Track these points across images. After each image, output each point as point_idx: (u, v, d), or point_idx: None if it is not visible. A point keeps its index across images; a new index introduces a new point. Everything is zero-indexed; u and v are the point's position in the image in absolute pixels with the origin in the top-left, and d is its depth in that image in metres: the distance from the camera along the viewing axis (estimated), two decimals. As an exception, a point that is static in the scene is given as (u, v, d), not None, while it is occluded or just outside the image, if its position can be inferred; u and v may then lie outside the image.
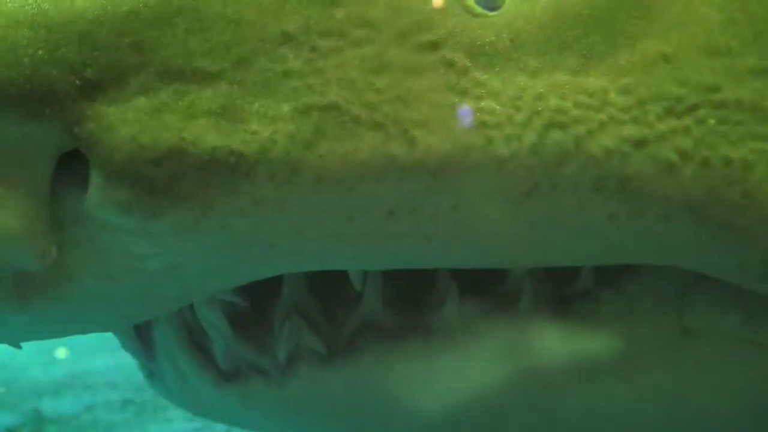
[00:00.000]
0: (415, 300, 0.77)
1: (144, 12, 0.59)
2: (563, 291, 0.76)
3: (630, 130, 0.65)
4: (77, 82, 0.58)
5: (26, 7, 0.58)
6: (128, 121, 0.59)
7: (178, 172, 0.59)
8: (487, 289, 0.77)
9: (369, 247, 0.66)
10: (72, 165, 0.60)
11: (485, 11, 0.66)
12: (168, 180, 0.59)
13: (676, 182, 0.66)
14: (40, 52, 0.57)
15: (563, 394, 0.75)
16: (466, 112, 0.64)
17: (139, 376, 0.97)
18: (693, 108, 0.66)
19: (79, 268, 0.64)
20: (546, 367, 0.74)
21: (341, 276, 0.75)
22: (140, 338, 0.86)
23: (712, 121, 0.66)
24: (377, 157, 0.62)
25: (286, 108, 0.61)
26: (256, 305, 0.80)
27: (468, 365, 0.74)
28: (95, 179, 0.59)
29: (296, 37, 0.61)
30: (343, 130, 0.62)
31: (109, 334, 0.82)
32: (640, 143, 0.65)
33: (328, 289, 0.78)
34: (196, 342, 0.82)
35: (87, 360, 1.74)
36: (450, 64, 0.64)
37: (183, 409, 0.90)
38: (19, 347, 0.73)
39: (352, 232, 0.65)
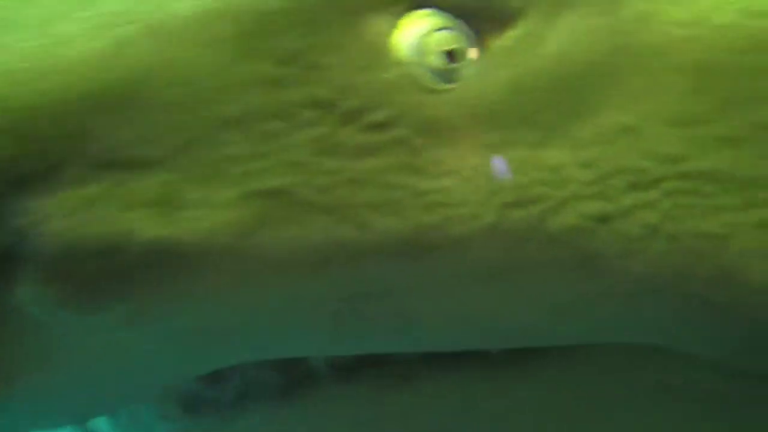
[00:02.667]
0: None
1: (80, 102, 0.56)
2: None
3: (593, 206, 0.62)
4: (9, 174, 0.55)
5: None
6: (63, 214, 0.55)
7: (116, 264, 0.56)
8: None
9: (330, 336, 0.63)
10: (4, 260, 0.57)
11: (441, 85, 0.63)
12: (105, 273, 0.56)
13: (644, 259, 0.63)
14: None
15: None
16: (421, 192, 0.61)
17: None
18: (658, 180, 0.63)
19: (21, 364, 0.61)
20: (514, 421, 0.71)
21: None
22: None
23: (679, 194, 0.64)
24: (329, 242, 0.59)
25: (229, 194, 0.58)
26: None
27: (424, 406, 0.70)
28: (28, 275, 0.56)
29: (240, 120, 0.59)
30: (291, 216, 0.59)
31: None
32: (604, 219, 0.62)
33: None
34: None
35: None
36: (403, 143, 0.61)
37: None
38: None
39: (311, 321, 0.62)
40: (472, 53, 0.65)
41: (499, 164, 0.62)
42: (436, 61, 0.63)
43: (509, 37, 0.65)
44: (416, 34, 0.63)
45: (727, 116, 0.65)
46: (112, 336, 0.60)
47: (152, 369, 0.65)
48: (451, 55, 0.63)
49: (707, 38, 0.66)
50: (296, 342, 0.64)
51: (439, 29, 0.63)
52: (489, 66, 0.64)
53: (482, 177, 0.62)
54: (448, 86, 0.63)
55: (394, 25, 0.63)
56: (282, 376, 0.71)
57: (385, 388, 0.70)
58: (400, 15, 0.64)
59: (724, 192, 0.64)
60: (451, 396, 0.70)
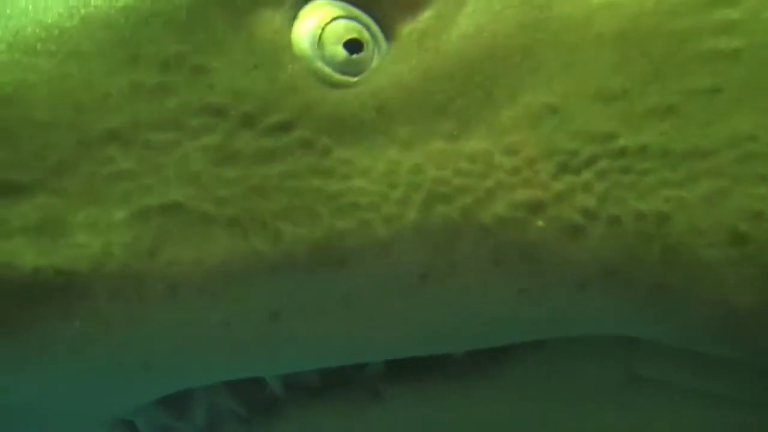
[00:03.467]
0: None
1: None
2: None
3: (522, 194, 0.58)
4: None
5: None
6: None
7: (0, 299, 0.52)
8: None
9: (262, 355, 0.59)
10: None
11: (346, 78, 0.58)
12: None
13: (585, 246, 0.58)
14: None
15: None
16: (332, 195, 0.56)
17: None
18: (591, 161, 0.59)
19: None
20: (487, 426, 0.66)
21: None
22: None
23: (614, 174, 0.59)
24: (238, 258, 0.55)
25: (119, 214, 0.54)
26: None
27: (398, 425, 0.66)
28: None
29: (124, 133, 0.54)
30: (191, 232, 0.54)
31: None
32: (536, 207, 0.58)
33: None
34: None
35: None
36: (308, 145, 0.57)
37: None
38: None
39: (236, 343, 0.57)
40: (379, 42, 0.60)
41: (415, 158, 0.58)
42: (336, 53, 0.59)
43: (419, 21, 0.61)
44: (312, 26, 0.59)
45: (658, 85, 0.60)
46: (18, 378, 0.55)
47: (81, 408, 0.61)
48: (353, 46, 0.59)
49: (631, 2, 0.61)
50: (227, 365, 0.59)
51: (337, 18, 0.59)
52: (398, 54, 0.60)
53: (398, 174, 0.57)
54: (352, 79, 0.59)
55: (291, 20, 0.59)
56: (245, 404, 0.66)
57: (352, 407, 0.65)
58: (295, 8, 0.59)
59: (662, 167, 0.59)
60: (421, 408, 0.65)
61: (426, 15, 0.61)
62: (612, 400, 0.66)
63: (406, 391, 0.65)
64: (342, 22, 0.59)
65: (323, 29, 0.59)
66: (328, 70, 0.58)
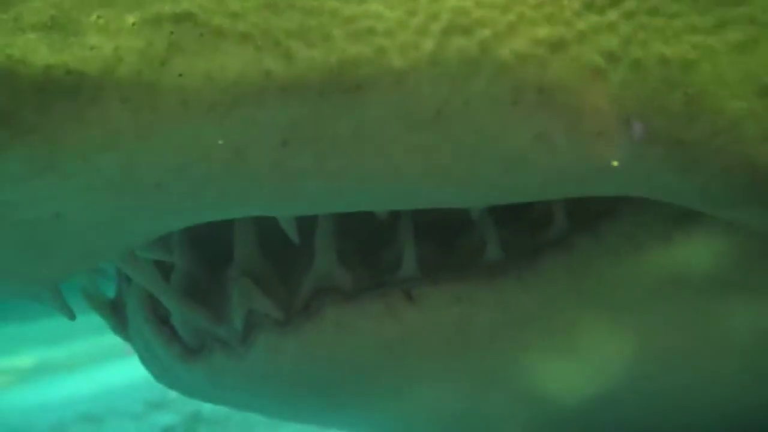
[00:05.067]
0: (374, 256, 0.70)
1: None
2: (535, 239, 0.67)
3: (544, 31, 0.56)
4: None
5: None
6: None
7: (11, 96, 0.52)
8: (451, 239, 0.69)
9: (272, 188, 0.58)
10: None
11: None
12: (1, 107, 0.52)
13: (605, 90, 0.56)
14: None
15: (542, 352, 0.66)
16: (348, 18, 0.55)
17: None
18: (618, 0, 0.57)
19: None
20: (517, 327, 0.66)
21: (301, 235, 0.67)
22: (117, 313, 0.80)
23: (641, 15, 0.57)
24: (249, 75, 0.54)
25: (131, 19, 0.53)
26: (214, 272, 0.73)
27: (432, 326, 0.66)
28: None
29: None
30: (203, 45, 0.54)
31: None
32: (557, 46, 0.56)
33: (288, 251, 0.70)
34: (162, 316, 0.75)
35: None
36: None
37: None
38: None
39: (247, 170, 0.57)
40: None
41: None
42: None
43: None
44: None
45: None
46: (32, 188, 0.56)
47: (93, 229, 0.61)
48: None
49: None
50: (239, 196, 0.59)
51: None
52: None
53: (418, 1, 0.56)
54: None
55: None
56: (285, 310, 0.68)
57: (386, 309, 0.66)
58: None
59: (692, 11, 0.57)
60: (453, 309, 0.66)
61: None
62: (645, 301, 0.65)
63: (438, 293, 0.66)
64: None
65: None
66: None
